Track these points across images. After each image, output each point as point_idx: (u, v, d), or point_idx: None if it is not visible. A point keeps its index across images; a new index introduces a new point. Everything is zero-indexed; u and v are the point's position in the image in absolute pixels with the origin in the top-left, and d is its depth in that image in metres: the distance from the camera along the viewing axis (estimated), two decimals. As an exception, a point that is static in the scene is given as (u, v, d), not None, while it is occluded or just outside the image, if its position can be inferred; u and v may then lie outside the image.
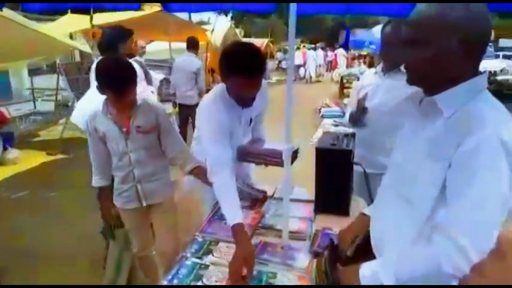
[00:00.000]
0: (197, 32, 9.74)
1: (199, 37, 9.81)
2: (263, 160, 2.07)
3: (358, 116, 2.09)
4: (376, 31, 8.38)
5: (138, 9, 4.10)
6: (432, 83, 1.06)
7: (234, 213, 1.62)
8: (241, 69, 1.70)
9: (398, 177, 1.18)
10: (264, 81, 1.89)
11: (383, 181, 1.30)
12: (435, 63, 1.02)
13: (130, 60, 2.35)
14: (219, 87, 1.95)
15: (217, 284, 1.41)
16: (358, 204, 1.95)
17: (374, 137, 2.14)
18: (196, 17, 19.89)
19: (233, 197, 1.69)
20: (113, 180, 2.24)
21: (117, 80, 1.90)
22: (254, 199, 2.12)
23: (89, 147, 2.16)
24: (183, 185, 2.48)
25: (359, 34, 9.87)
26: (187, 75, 5.72)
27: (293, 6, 1.47)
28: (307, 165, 2.06)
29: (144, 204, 2.20)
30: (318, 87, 15.21)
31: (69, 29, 7.29)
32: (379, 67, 2.31)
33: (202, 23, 19.47)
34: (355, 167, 2.00)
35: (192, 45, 5.92)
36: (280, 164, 1.79)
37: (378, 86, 2.22)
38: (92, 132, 2.07)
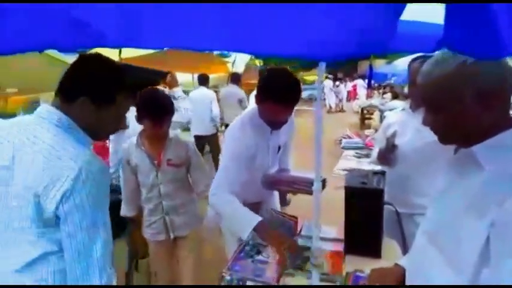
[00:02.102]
0: (219, 64, 9.97)
1: (220, 69, 10.03)
2: (292, 188, 2.08)
3: (388, 154, 2.06)
4: (399, 63, 8.38)
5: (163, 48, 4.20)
6: (463, 140, 1.02)
7: (247, 220, 1.75)
8: (279, 95, 1.76)
9: (436, 234, 1.11)
10: None
11: (418, 236, 1.23)
12: (457, 125, 0.98)
13: None
14: (250, 111, 2.02)
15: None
16: (390, 246, 1.90)
17: (404, 176, 2.10)
18: (216, 48, 20.34)
19: (240, 207, 1.81)
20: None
21: (156, 109, 1.97)
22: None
23: (120, 177, 2.22)
24: (209, 218, 2.49)
25: (381, 67, 9.86)
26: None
27: (322, 65, 1.51)
28: (331, 198, 2.04)
29: (172, 236, 2.22)
30: (337, 118, 15.22)
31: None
32: (407, 104, 2.30)
33: (222, 55, 19.94)
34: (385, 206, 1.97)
35: (203, 80, 6.68)
36: (310, 192, 1.80)
37: (407, 124, 2.20)
38: (124, 163, 2.13)
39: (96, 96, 1.18)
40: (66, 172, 1.04)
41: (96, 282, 1.10)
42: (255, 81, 11.81)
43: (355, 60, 21.63)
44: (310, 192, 1.77)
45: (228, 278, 1.69)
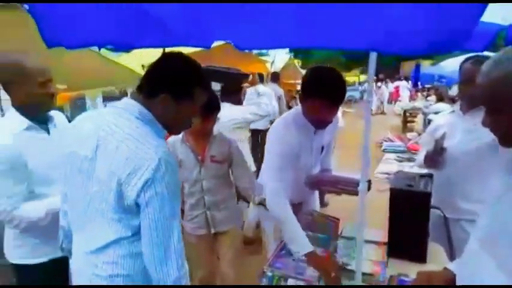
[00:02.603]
0: (258, 63, 10.03)
1: (259, 68, 10.08)
2: (336, 188, 2.07)
3: (436, 157, 2.00)
4: (446, 65, 8.05)
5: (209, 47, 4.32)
6: None
7: (301, 241, 1.74)
8: (327, 93, 1.74)
9: (491, 240, 1.08)
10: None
11: (471, 241, 1.20)
12: None
13: None
14: (293, 111, 2.01)
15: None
16: (435, 251, 1.84)
17: (453, 180, 2.03)
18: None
19: (296, 225, 1.79)
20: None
21: (204, 106, 2.02)
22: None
23: None
24: (249, 214, 2.52)
25: (426, 68, 9.51)
26: None
27: (373, 55, 1.44)
28: (372, 200, 2.00)
29: (212, 231, 2.26)
30: (378, 120, 14.87)
31: (142, 60, 7.81)
32: (456, 106, 2.22)
33: (261, 54, 20.03)
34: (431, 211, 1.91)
35: (275, 77, 7.70)
36: (354, 193, 1.78)
37: (456, 125, 2.12)
38: None
39: (176, 93, 1.24)
40: (147, 162, 1.10)
41: (174, 273, 1.16)
42: (293, 80, 11.81)
43: (397, 61, 21.06)
44: (354, 193, 1.76)
45: (269, 274, 1.71)
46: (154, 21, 1.57)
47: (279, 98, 7.04)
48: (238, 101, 3.76)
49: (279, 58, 12.24)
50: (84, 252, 1.28)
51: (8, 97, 1.71)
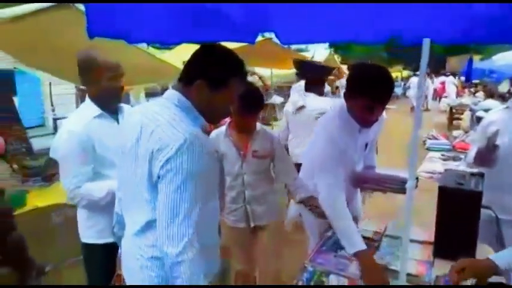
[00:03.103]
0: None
1: (298, 64, 10.00)
2: (381, 186, 2.02)
3: (488, 154, 1.90)
4: (498, 59, 7.61)
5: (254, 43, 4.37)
6: None
7: (355, 239, 1.71)
8: (373, 92, 1.71)
9: None
10: None
11: None
12: None
13: None
14: (337, 108, 1.97)
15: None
16: (484, 252, 1.75)
17: (505, 179, 1.93)
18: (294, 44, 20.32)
19: (351, 223, 1.76)
20: None
21: (250, 102, 2.06)
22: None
23: None
24: (289, 210, 2.52)
25: (476, 62, 9.02)
26: None
27: (426, 41, 1.37)
28: (416, 200, 1.94)
29: (252, 225, 2.28)
30: (422, 117, 14.37)
31: (183, 57, 7.99)
32: (510, 102, 2.11)
33: (300, 50, 19.90)
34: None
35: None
36: (400, 191, 1.74)
37: (510, 122, 2.01)
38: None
39: (211, 80, 1.28)
40: (172, 142, 1.16)
41: (174, 248, 1.15)
42: (332, 77, 11.65)
43: (443, 56, 20.17)
44: (400, 191, 1.71)
45: (310, 269, 1.70)
46: (199, 17, 1.60)
47: None
48: (321, 93, 3.84)
49: (318, 53, 12.11)
50: (130, 234, 1.36)
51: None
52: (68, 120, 1.89)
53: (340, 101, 1.96)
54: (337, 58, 15.50)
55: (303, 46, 23.34)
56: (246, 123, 2.14)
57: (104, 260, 1.84)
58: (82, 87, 6.27)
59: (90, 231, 1.93)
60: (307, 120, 3.34)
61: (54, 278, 3.30)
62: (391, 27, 1.57)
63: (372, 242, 1.90)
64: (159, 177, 1.19)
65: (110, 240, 1.79)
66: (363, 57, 24.42)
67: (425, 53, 1.34)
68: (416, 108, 1.47)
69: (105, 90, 1.83)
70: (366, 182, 2.11)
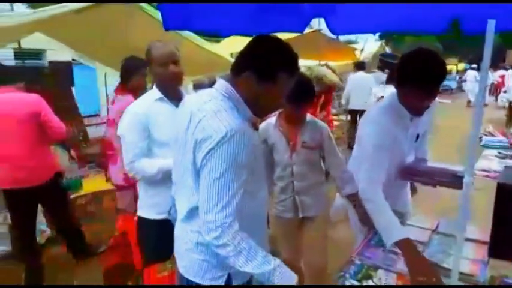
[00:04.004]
0: (346, 52, 9.74)
1: (347, 56, 9.80)
2: (432, 180, 1.96)
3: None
4: None
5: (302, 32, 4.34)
6: None
7: (394, 229, 1.64)
8: (424, 78, 1.65)
9: None
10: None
11: None
12: None
13: None
14: (389, 97, 1.93)
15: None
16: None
17: None
18: (343, 36, 19.91)
19: (390, 214, 1.69)
20: None
21: (301, 93, 2.06)
22: None
23: None
24: (337, 205, 2.50)
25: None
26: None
27: (491, 24, 1.25)
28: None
29: (300, 215, 2.29)
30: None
31: (230, 49, 8.08)
32: None
33: (349, 41, 19.44)
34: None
35: (361, 66, 8.16)
36: (452, 185, 1.67)
37: None
38: (262, 142, 2.26)
39: (258, 72, 1.27)
40: (216, 133, 1.18)
41: (213, 233, 1.18)
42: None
43: (502, 48, 18.87)
44: (451, 186, 1.65)
45: (357, 262, 1.69)
46: (251, 8, 1.63)
47: (370, 88, 7.36)
48: None
49: (368, 46, 11.76)
50: (179, 219, 1.43)
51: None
52: (134, 103, 2.10)
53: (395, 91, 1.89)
54: (388, 50, 14.98)
55: (352, 38, 22.80)
56: (296, 114, 2.15)
57: (156, 235, 1.99)
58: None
59: (145, 205, 2.10)
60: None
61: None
62: (451, 13, 1.51)
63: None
64: (201, 166, 1.23)
65: (161, 217, 1.93)
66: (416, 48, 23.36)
67: (489, 37, 1.23)
68: (477, 101, 1.39)
69: (162, 76, 2.01)
70: (415, 174, 2.04)
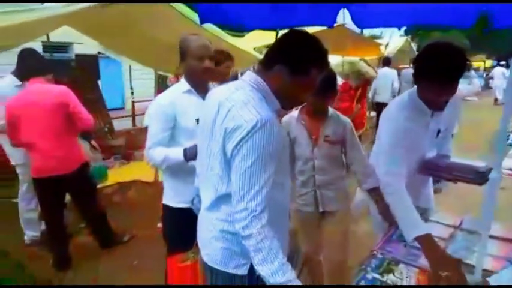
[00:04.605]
0: (370, 47, 9.60)
1: (372, 52, 9.67)
2: (452, 175, 1.92)
3: None
4: None
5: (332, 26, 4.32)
6: None
7: (414, 224, 1.61)
8: (441, 71, 1.60)
9: None
10: (458, 93, 1.76)
11: None
12: None
13: None
14: (410, 91, 1.90)
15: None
16: None
17: None
18: (367, 31, 19.60)
19: (412, 209, 1.67)
20: None
21: (323, 86, 2.03)
22: None
23: None
24: (356, 197, 2.49)
25: None
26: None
27: None
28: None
29: (320, 209, 2.30)
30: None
31: (254, 43, 8.09)
32: None
33: (374, 37, 19.11)
34: None
35: (387, 61, 8.75)
36: (473, 181, 1.64)
37: None
38: None
39: (291, 65, 1.29)
40: (246, 123, 1.20)
41: (242, 223, 1.20)
42: (407, 65, 11.10)
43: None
44: (472, 182, 1.62)
45: (379, 256, 1.69)
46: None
47: (392, 83, 8.21)
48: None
49: (393, 41, 11.54)
50: (204, 208, 1.45)
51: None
52: (161, 95, 2.14)
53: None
54: (414, 46, 14.66)
55: (377, 33, 22.40)
56: (320, 107, 2.15)
57: (178, 223, 2.05)
58: (160, 72, 6.65)
59: (169, 194, 2.17)
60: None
61: (133, 246, 3.58)
62: (480, 7, 1.48)
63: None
64: (231, 156, 1.25)
65: (182, 205, 1.99)
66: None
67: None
68: (505, 98, 1.38)
69: (196, 69, 2.04)
70: (435, 169, 2.00)
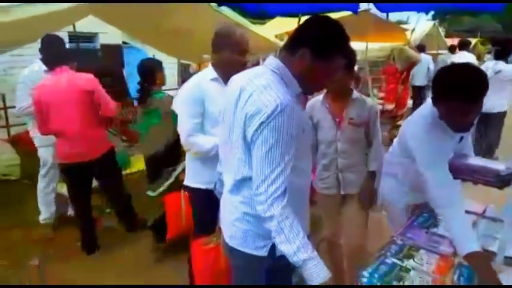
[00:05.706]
0: (396, 33, 9.36)
1: (398, 38, 9.43)
2: (472, 177, 1.88)
3: None
4: None
5: (357, 12, 4.26)
6: None
7: (469, 239, 1.52)
8: (464, 94, 1.52)
9: None
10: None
11: None
12: None
13: None
14: (431, 113, 1.74)
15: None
16: None
17: None
18: (394, 16, 19.06)
19: (466, 222, 1.60)
20: None
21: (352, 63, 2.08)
22: None
23: None
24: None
25: None
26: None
27: None
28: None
29: (342, 192, 2.31)
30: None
31: (275, 31, 8.04)
32: None
33: (400, 22, 18.59)
34: None
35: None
36: (492, 184, 1.60)
37: None
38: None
39: (316, 50, 1.30)
40: (265, 108, 1.22)
41: (263, 205, 1.24)
42: (435, 51, 10.80)
43: None
44: (493, 185, 1.58)
45: (399, 242, 1.69)
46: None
47: (428, 69, 8.45)
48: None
49: (420, 26, 11.19)
50: (226, 191, 1.49)
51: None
52: (188, 81, 2.18)
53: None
54: (441, 31, 14.19)
55: (404, 18, 21.78)
56: (342, 84, 2.13)
57: (200, 204, 2.13)
58: (184, 61, 6.69)
59: (188, 174, 2.23)
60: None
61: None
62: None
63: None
64: (252, 140, 1.27)
65: (201, 186, 2.08)
66: (472, 28, 21.98)
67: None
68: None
69: (236, 62, 2.02)
70: (456, 172, 1.85)
